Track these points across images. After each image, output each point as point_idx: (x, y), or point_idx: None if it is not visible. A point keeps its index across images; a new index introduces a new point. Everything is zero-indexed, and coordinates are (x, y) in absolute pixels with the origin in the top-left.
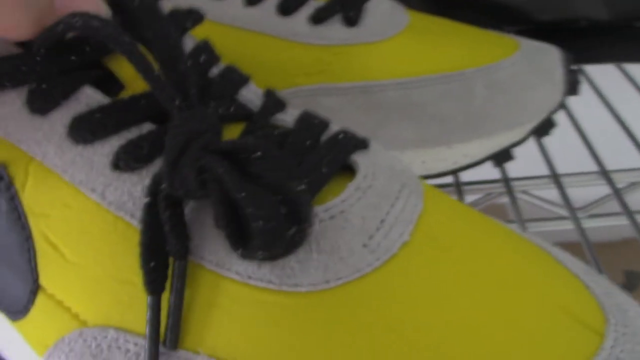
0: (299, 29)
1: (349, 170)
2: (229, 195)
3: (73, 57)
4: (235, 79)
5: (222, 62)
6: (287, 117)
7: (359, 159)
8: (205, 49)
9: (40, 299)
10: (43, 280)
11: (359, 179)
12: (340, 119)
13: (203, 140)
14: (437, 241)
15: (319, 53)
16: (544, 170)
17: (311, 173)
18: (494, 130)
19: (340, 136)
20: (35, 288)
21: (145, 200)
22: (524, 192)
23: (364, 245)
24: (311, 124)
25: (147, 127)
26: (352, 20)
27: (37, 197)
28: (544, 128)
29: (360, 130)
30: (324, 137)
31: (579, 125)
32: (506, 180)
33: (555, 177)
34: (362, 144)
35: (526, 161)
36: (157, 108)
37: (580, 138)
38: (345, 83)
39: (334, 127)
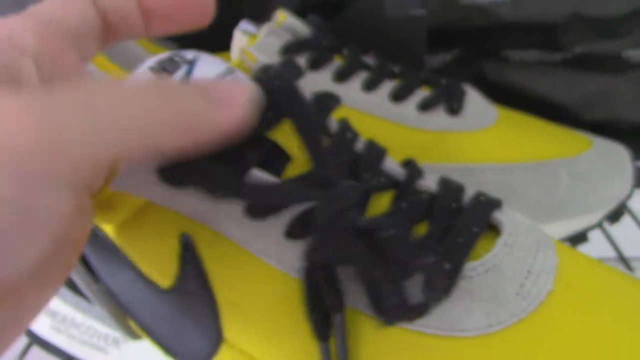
0: (408, 115)
1: (489, 227)
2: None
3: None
4: (378, 151)
5: (362, 138)
6: (428, 183)
7: (500, 217)
8: (348, 127)
9: (223, 350)
10: (227, 333)
11: (505, 235)
12: None
13: (346, 218)
14: (578, 289)
15: (425, 137)
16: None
17: (465, 232)
18: (574, 214)
19: (482, 198)
20: (219, 340)
21: (303, 265)
22: None
23: (517, 294)
24: (451, 188)
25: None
26: (454, 110)
27: (220, 264)
28: (616, 214)
29: None
30: (465, 199)
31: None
32: None
33: (624, 260)
34: (498, 204)
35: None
36: (316, 185)
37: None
38: (447, 164)
39: (469, 190)
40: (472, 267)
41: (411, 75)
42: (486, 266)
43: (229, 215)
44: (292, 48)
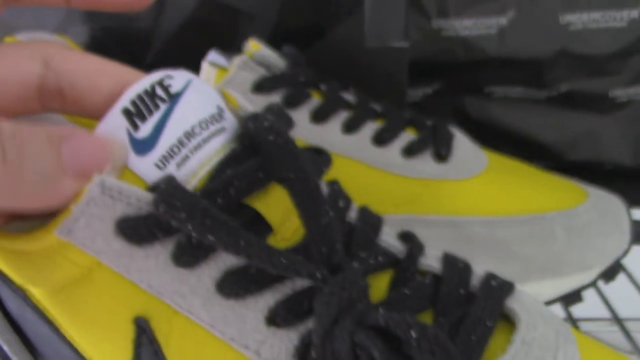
0: (392, 160)
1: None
2: None
3: (219, 201)
4: (373, 222)
5: (354, 203)
6: (431, 261)
7: (515, 306)
8: (339, 192)
9: None
10: None
11: (522, 331)
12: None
13: (356, 311)
14: None
15: (410, 185)
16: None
17: (478, 327)
18: (569, 271)
19: (493, 283)
20: None
21: None
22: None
23: None
24: (457, 267)
25: (300, 281)
26: (442, 156)
27: (182, 352)
28: (612, 272)
29: None
30: (474, 282)
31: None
32: (573, 321)
33: (619, 321)
34: (510, 288)
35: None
36: (310, 261)
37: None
38: (433, 216)
39: (477, 269)
40: None
41: (395, 115)
42: None
43: (195, 290)
44: (266, 84)
